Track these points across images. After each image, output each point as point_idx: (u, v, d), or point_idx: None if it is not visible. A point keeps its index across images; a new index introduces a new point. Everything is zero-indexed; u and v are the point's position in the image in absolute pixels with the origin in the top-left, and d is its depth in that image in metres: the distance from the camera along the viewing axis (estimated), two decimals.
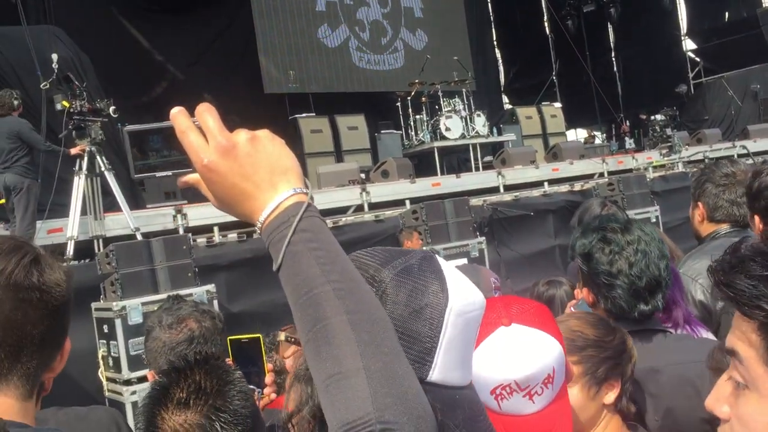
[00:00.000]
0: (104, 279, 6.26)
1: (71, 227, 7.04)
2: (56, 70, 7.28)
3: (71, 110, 7.01)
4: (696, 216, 2.63)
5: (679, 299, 2.05)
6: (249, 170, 0.94)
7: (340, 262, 0.91)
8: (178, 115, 0.97)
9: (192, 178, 1.00)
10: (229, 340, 1.93)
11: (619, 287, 1.82)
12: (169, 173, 1.01)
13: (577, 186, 11.43)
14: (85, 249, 7.44)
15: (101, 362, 6.01)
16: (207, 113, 0.96)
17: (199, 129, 0.96)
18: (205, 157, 0.94)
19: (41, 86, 7.36)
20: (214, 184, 0.96)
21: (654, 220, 9.73)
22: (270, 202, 0.94)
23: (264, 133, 0.98)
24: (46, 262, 1.25)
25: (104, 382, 5.99)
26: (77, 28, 11.42)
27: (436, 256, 1.10)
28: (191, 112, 1.00)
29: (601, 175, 12.53)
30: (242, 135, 0.95)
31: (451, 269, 1.09)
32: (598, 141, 19.64)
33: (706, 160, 12.78)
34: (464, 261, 8.24)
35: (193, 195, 8.88)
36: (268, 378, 1.90)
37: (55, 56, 7.41)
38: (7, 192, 7.06)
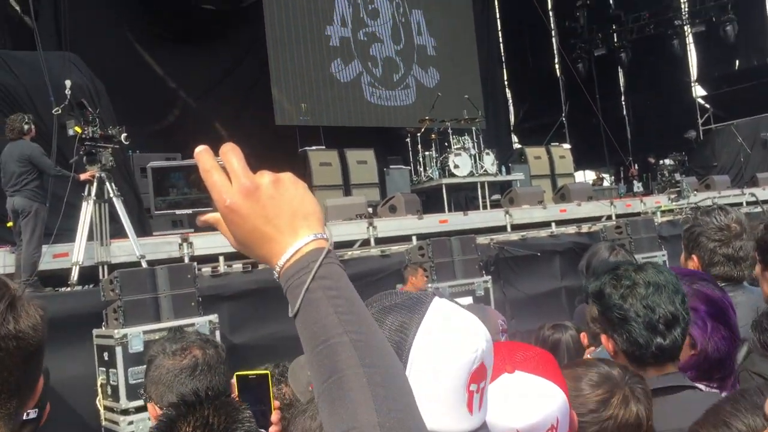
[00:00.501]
0: (107, 306, 6.23)
1: (77, 252, 7.04)
2: (69, 96, 7.36)
3: (83, 136, 7.07)
4: (690, 267, 2.57)
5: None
6: (271, 213, 0.94)
7: (358, 312, 0.91)
8: (203, 153, 0.96)
9: (212, 217, 0.99)
10: (237, 375, 1.89)
11: (633, 320, 1.75)
12: (189, 211, 1.02)
13: (585, 228, 11.40)
14: (89, 274, 7.44)
15: (99, 390, 5.96)
16: (232, 153, 0.95)
17: (223, 169, 0.95)
18: (228, 197, 0.93)
19: (53, 111, 7.45)
20: (235, 225, 0.95)
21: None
22: (290, 246, 0.93)
23: (287, 177, 0.97)
24: (22, 305, 1.24)
25: (101, 411, 5.93)
26: (93, 54, 11.59)
27: (436, 296, 1.10)
28: (210, 146, 0.99)
29: (609, 217, 12.51)
30: (266, 177, 0.95)
31: (446, 310, 1.08)
32: (606, 183, 19.66)
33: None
34: (469, 299, 8.20)
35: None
36: (274, 416, 1.87)
37: (68, 82, 7.50)
38: (15, 215, 7.09)
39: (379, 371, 0.86)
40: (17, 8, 12.42)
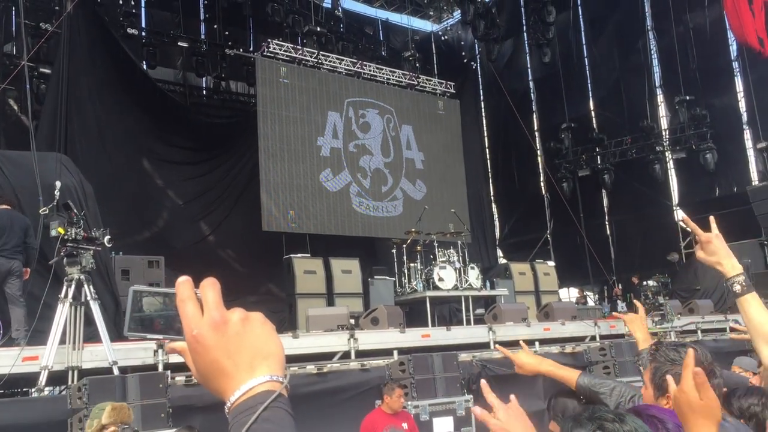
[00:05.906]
0: (73, 414, 5.99)
1: (47, 356, 6.82)
2: (57, 197, 7.38)
3: (66, 237, 7.02)
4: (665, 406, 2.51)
5: None
6: (233, 349, 0.96)
7: None
8: (183, 284, 1.01)
9: (179, 346, 1.03)
10: None
11: None
12: (161, 337, 1.05)
13: (569, 348, 11.26)
14: (58, 378, 7.19)
15: None
16: (210, 287, 0.99)
17: (199, 301, 0.99)
18: (196, 328, 0.96)
19: (40, 211, 7.44)
20: (198, 355, 0.97)
21: None
22: (243, 384, 0.95)
23: (257, 316, 1.00)
24: None
25: None
26: (86, 155, 11.73)
27: None
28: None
29: (593, 338, 12.39)
30: (236, 314, 0.98)
31: None
32: (590, 301, 19.64)
33: (699, 332, 12.71)
34: (450, 420, 7.97)
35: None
36: None
37: (58, 183, 7.55)
38: (6, 275, 7.53)
39: None
40: (15, 108, 12.69)
